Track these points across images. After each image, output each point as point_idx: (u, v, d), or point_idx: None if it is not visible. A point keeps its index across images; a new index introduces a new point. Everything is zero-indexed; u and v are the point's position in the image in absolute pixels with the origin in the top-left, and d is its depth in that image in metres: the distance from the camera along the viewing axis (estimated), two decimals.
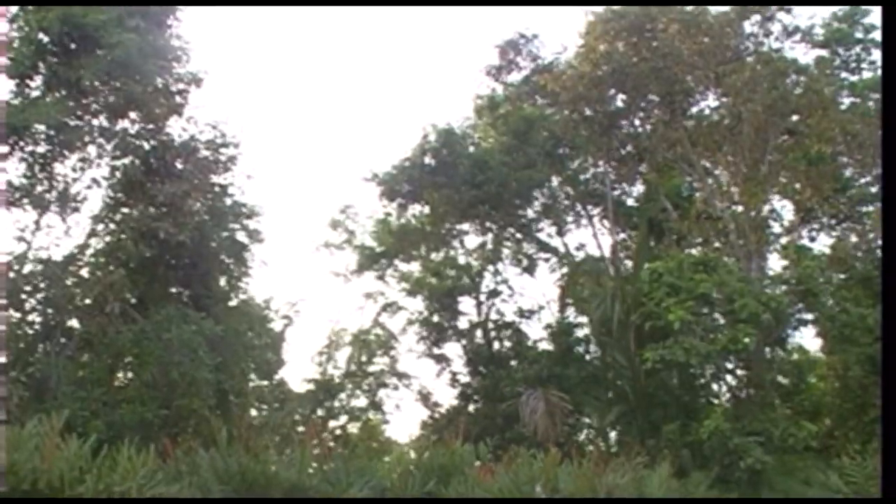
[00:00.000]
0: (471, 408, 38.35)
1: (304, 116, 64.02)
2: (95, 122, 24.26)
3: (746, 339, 25.70)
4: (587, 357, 35.59)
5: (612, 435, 32.20)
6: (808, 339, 34.52)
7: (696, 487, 18.79)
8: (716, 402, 30.69)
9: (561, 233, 38.70)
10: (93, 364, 23.35)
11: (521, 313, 39.00)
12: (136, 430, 19.63)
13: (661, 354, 25.47)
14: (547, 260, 39.17)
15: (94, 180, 24.29)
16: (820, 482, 19.48)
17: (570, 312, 37.85)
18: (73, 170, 24.07)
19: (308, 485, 12.47)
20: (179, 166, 24.79)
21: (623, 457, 16.13)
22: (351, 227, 42.65)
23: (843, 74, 33.08)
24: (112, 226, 24.66)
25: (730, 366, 29.92)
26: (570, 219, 38.59)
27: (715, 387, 31.54)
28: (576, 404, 31.56)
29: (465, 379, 39.07)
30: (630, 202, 37.86)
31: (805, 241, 35.55)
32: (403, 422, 66.97)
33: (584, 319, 36.23)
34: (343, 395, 44.73)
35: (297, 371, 52.77)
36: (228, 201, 26.50)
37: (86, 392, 21.08)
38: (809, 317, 30.32)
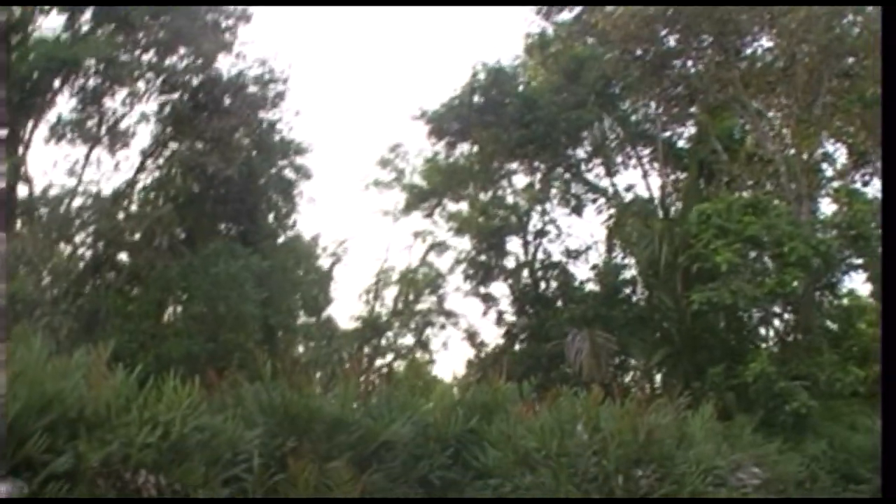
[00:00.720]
0: (516, 347, 38.32)
1: (354, 53, 63.86)
2: (145, 57, 24.39)
3: (794, 283, 25.46)
4: (634, 298, 35.38)
5: (658, 377, 32.14)
6: (859, 284, 34.19)
7: (741, 430, 18.63)
8: (762, 345, 30.45)
9: (610, 173, 38.36)
10: (141, 298, 23.67)
11: (568, 254, 38.73)
12: (182, 364, 19.89)
13: (707, 296, 25.28)
14: (595, 200, 38.85)
15: (144, 115, 24.48)
16: (866, 427, 19.32)
17: (618, 253, 37.64)
18: (123, 104, 24.25)
19: (351, 419, 12.52)
20: (227, 102, 24.88)
21: (666, 398, 16.06)
22: (400, 165, 42.59)
23: None
24: (161, 161, 24.87)
25: (777, 310, 29.66)
26: (619, 160, 38.25)
27: (762, 330, 31.29)
28: (621, 345, 31.47)
29: (511, 318, 39.04)
30: (681, 144, 37.41)
31: (858, 186, 35.10)
32: (450, 361, 67.26)
33: (631, 261, 35.99)
34: (390, 334, 45.05)
35: (345, 309, 52.97)
36: (276, 137, 26.61)
37: (134, 325, 21.39)
38: (860, 262, 29.98)
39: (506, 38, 64.13)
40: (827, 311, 31.88)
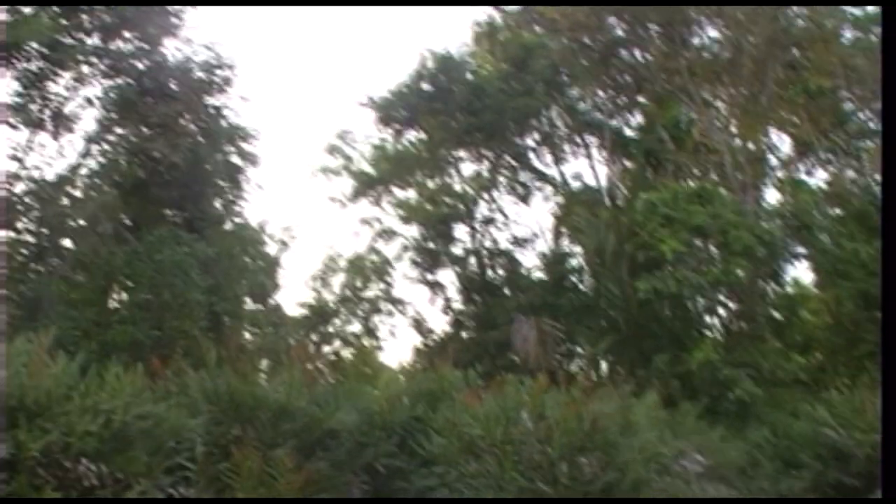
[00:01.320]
0: (463, 335, 38.44)
1: (303, 40, 63.54)
2: (89, 41, 24.06)
3: (739, 272, 25.70)
4: (580, 286, 35.56)
5: (604, 365, 32.33)
6: (802, 273, 34.59)
7: (685, 417, 18.77)
8: (708, 334, 30.72)
9: (558, 162, 38.55)
10: (85, 284, 23.40)
11: (516, 241, 38.99)
12: (127, 351, 19.75)
13: (653, 285, 25.49)
14: (541, 189, 39.06)
15: (88, 100, 24.17)
16: (807, 414, 19.47)
17: (565, 242, 37.82)
18: (67, 89, 23.92)
19: (296, 407, 12.44)
20: (173, 87, 24.64)
21: (611, 386, 16.15)
22: (348, 152, 42.43)
23: (846, 7, 32.74)
24: (106, 146, 24.56)
25: (722, 298, 29.93)
26: (567, 148, 38.43)
27: (707, 319, 31.58)
28: (568, 333, 31.67)
29: (458, 306, 39.10)
30: (628, 132, 37.68)
31: (802, 176, 35.49)
32: (398, 348, 67.33)
33: (578, 249, 36.21)
34: (337, 321, 44.95)
35: (293, 296, 52.81)
36: (223, 123, 26.37)
37: (77, 312, 21.15)
38: (804, 251, 30.35)
39: (455, 26, 64.17)
40: (772, 299, 32.23)
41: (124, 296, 24.70)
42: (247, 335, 35.22)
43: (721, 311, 30.75)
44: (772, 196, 33.46)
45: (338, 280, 45.09)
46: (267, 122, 59.40)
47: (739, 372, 24.64)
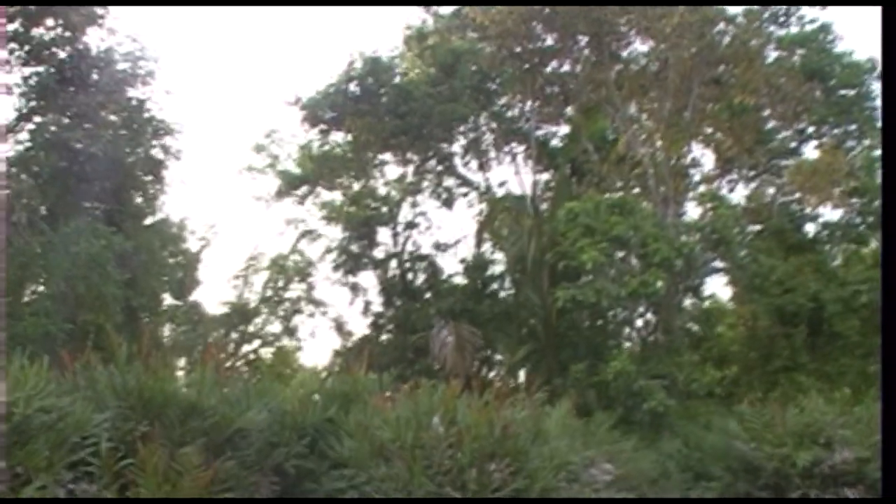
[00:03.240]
0: (383, 338, 38.37)
1: (233, 37, 63.02)
2: (10, 26, 23.62)
3: (657, 284, 25.91)
4: (501, 294, 35.67)
5: (522, 373, 32.42)
6: (721, 288, 35.08)
7: (598, 427, 18.86)
8: (626, 344, 30.96)
9: (483, 168, 38.64)
10: None
11: (438, 246, 38.93)
12: (38, 343, 19.37)
13: (572, 294, 25.62)
14: (466, 195, 39.13)
15: (7, 87, 23.73)
16: (720, 427, 19.74)
17: (487, 248, 37.91)
18: None
19: (206, 405, 12.26)
20: (95, 77, 24.26)
21: (524, 393, 16.18)
22: (275, 151, 42.11)
23: (771, 28, 33.27)
24: (23, 135, 24.15)
25: (641, 309, 30.18)
26: (493, 155, 38.52)
27: (626, 330, 31.83)
28: (488, 340, 31.76)
29: (378, 309, 39.04)
30: (555, 142, 37.89)
31: (724, 192, 35.96)
32: (317, 350, 67.07)
33: (500, 256, 36.31)
34: (258, 320, 44.74)
35: (215, 293, 52.43)
36: (145, 116, 26.01)
37: None
38: (722, 265, 30.74)
39: (385, 29, 64.12)
40: (689, 313, 32.60)
41: (41, 288, 24.31)
42: (166, 331, 34.88)
43: (639, 322, 31.00)
44: (694, 210, 33.86)
45: (260, 279, 44.85)
46: (195, 118, 58.94)
47: (654, 383, 24.84)
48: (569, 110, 36.26)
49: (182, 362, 32.36)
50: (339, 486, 12.54)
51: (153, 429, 11.59)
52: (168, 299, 38.50)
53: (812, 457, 17.19)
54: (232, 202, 64.93)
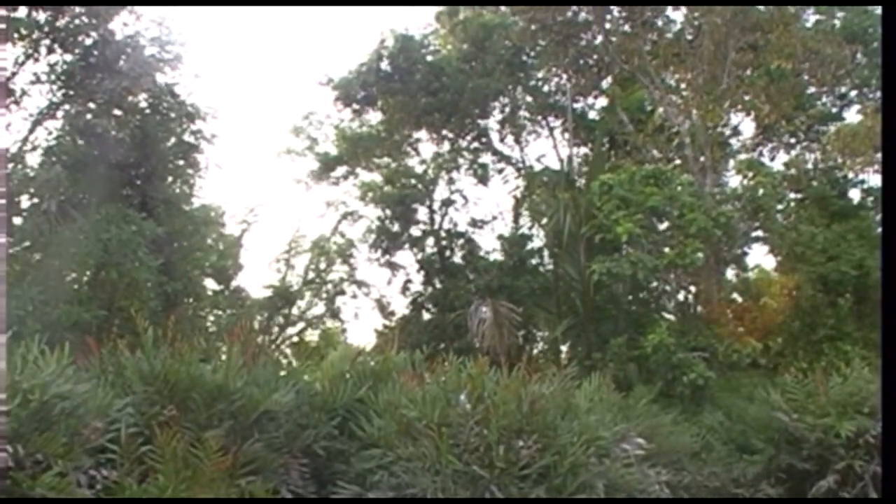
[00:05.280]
0: (424, 317, 38.28)
1: (269, 19, 63.07)
2: (40, 15, 23.66)
3: (695, 255, 25.49)
4: (540, 269, 35.41)
5: (564, 348, 32.16)
6: (767, 257, 34.57)
7: (637, 401, 18.64)
8: (669, 317, 30.57)
9: (520, 143, 38.40)
10: (30, 262, 23.00)
11: (474, 223, 38.83)
12: (73, 331, 19.38)
13: (607, 267, 25.26)
14: (501, 171, 38.91)
15: (36, 76, 23.76)
16: (762, 398, 19.44)
17: (525, 224, 37.70)
18: (14, 64, 23.51)
19: (233, 387, 12.18)
20: (122, 63, 24.19)
21: (555, 367, 15.98)
22: (314, 134, 42.03)
23: None
24: (52, 122, 24.15)
25: (681, 281, 29.78)
26: (530, 129, 38.27)
27: (667, 302, 31.44)
28: (528, 316, 31.53)
29: (417, 288, 38.96)
30: (593, 115, 37.57)
31: (766, 160, 35.44)
32: (365, 330, 67.20)
33: (537, 231, 36.06)
34: (301, 303, 44.81)
35: (257, 277, 52.58)
36: (175, 101, 25.92)
37: (22, 291, 20.74)
38: (762, 234, 30.28)
39: (416, 6, 63.85)
40: (732, 283, 32.18)
41: (73, 275, 24.32)
42: (211, 317, 34.95)
43: (680, 294, 30.59)
44: (735, 180, 33.35)
45: (302, 262, 44.94)
46: (233, 103, 59.18)
47: (693, 355, 24.51)
48: (607, 83, 35.90)
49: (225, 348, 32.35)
50: (368, 466, 12.45)
51: (177, 413, 11.52)
52: (212, 284, 38.73)
53: (855, 427, 16.88)
54: (272, 185, 64.96)
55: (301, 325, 45.79)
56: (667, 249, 26.44)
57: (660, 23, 33.43)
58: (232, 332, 13.52)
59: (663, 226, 27.62)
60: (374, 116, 38.15)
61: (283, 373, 14.45)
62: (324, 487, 12.67)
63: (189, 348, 12.85)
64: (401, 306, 40.63)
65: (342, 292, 44.38)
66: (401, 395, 13.00)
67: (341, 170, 40.97)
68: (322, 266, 44.88)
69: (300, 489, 12.31)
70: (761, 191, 27.68)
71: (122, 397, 11.72)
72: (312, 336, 45.89)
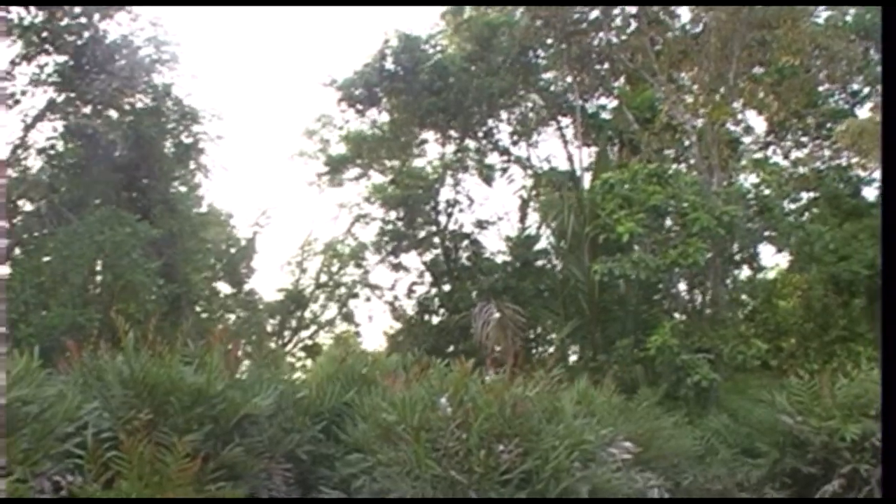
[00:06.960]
0: (434, 320, 38.07)
1: (270, 21, 63.05)
2: (34, 17, 23.49)
3: (697, 254, 25.05)
4: (545, 270, 35.09)
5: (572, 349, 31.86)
6: (779, 258, 34.17)
7: (639, 403, 18.33)
8: (676, 317, 30.17)
9: (528, 143, 38.13)
10: (22, 264, 22.79)
11: (480, 224, 38.56)
12: (67, 334, 19.16)
13: (609, 267, 24.89)
14: (505, 171, 38.63)
15: (32, 78, 23.61)
16: (767, 400, 19.07)
17: (531, 224, 37.49)
18: (13, 63, 23.38)
19: (214, 391, 11.93)
20: (116, 63, 23.98)
21: (544, 369, 15.59)
22: (326, 136, 41.81)
23: None
24: (43, 124, 23.98)
25: (688, 281, 29.40)
26: (537, 129, 37.99)
27: (675, 303, 31.04)
28: (533, 317, 31.26)
29: (423, 290, 38.79)
30: (605, 115, 37.28)
31: (777, 158, 35.04)
32: (376, 333, 67.04)
33: (544, 231, 35.77)
34: (314, 306, 44.77)
35: (270, 280, 52.47)
36: (169, 102, 25.71)
37: (14, 294, 20.53)
38: (770, 234, 29.81)
39: (420, 5, 63.76)
40: (742, 284, 31.80)
41: (67, 278, 24.11)
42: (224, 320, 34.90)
43: (686, 295, 30.18)
44: (746, 178, 32.91)
45: (315, 265, 44.89)
46: (242, 104, 59.12)
47: (698, 357, 24.11)
48: (620, 83, 35.61)
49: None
50: (350, 471, 12.25)
51: (153, 417, 11.29)
52: (225, 288, 38.73)
53: (861, 430, 16.47)
54: (285, 188, 64.90)
55: (314, 328, 45.73)
56: (669, 249, 26.01)
57: (667, 19, 33.04)
58: (214, 335, 13.25)
59: (664, 225, 27.23)
60: (380, 118, 37.90)
61: (267, 376, 14.14)
62: (308, 492, 12.51)
63: (170, 351, 12.62)
64: (408, 309, 40.47)
65: (355, 295, 44.28)
66: (383, 399, 12.77)
67: (353, 171, 40.75)
68: (335, 269, 44.80)
69: (283, 494, 12.11)
70: (767, 189, 27.24)
71: (100, 401, 11.52)
72: (327, 340, 45.80)
